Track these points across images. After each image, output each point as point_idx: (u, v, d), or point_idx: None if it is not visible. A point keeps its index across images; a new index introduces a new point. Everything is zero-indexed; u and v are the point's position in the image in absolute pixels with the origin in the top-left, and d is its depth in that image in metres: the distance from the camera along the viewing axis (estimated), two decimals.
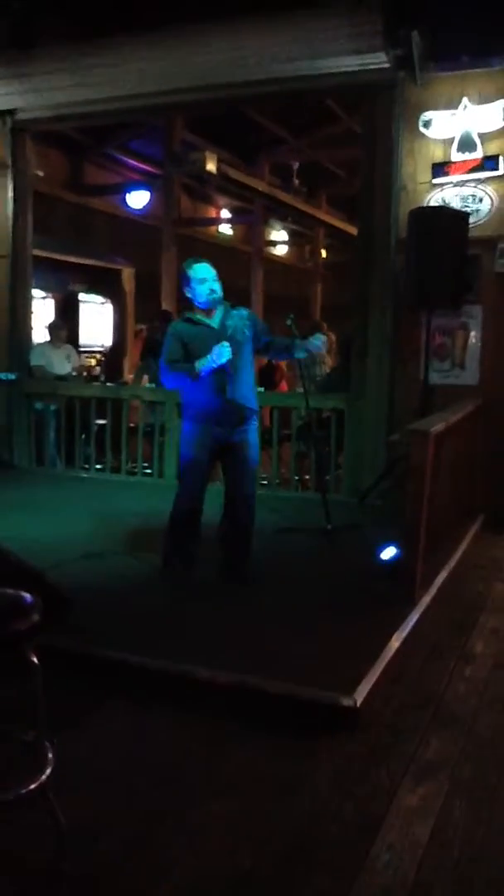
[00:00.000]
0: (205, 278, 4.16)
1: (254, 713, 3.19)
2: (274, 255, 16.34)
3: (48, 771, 2.27)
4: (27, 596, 2.37)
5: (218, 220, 15.37)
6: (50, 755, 2.30)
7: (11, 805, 2.25)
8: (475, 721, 3.24)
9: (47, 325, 8.68)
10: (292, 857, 2.39)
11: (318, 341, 4.62)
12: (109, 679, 3.41)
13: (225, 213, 15.36)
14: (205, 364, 4.10)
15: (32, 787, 2.22)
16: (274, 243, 16.62)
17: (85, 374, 9.52)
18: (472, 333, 6.31)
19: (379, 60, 6.15)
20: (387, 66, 6.17)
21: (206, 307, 4.23)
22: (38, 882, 2.27)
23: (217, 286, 4.19)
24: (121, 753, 2.92)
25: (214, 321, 4.25)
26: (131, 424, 7.64)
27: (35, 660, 2.26)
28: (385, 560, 4.54)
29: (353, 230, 15.29)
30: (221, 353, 4.08)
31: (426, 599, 4.37)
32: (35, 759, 2.30)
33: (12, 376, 7.82)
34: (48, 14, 7.41)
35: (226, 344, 4.10)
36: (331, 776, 2.81)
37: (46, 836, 2.33)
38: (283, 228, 16.51)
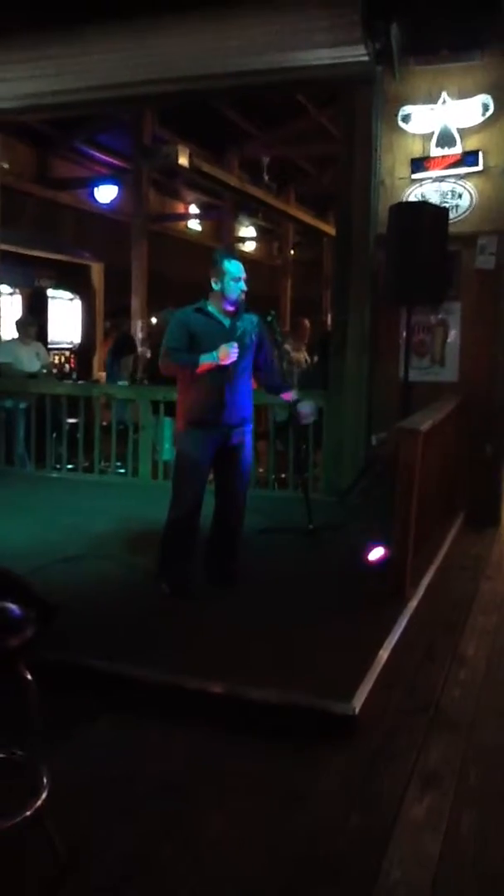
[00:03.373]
0: (240, 277, 4.08)
1: (248, 723, 3.09)
2: (243, 251, 16.21)
3: (44, 795, 2.14)
4: (15, 608, 2.24)
5: (188, 216, 15.20)
6: (45, 778, 2.17)
7: (6, 833, 2.12)
8: (474, 727, 3.17)
9: (16, 321, 8.47)
10: (300, 874, 2.30)
11: (308, 408, 4.59)
12: (97, 691, 3.27)
13: (193, 209, 15.20)
14: (208, 360, 3.99)
15: (28, 813, 2.09)
16: (243, 239, 16.50)
17: (55, 371, 9.33)
18: (452, 331, 6.26)
19: (357, 53, 6.05)
20: (365, 59, 6.07)
21: (234, 306, 4.12)
22: None
23: (245, 288, 4.12)
24: (114, 770, 2.79)
25: (226, 319, 4.14)
26: (104, 423, 7.48)
27: (29, 676, 2.14)
28: (373, 560, 4.46)
29: (323, 226, 15.37)
30: (229, 354, 3.98)
31: (415, 599, 4.31)
32: (30, 782, 2.18)
33: None
34: (14, 1, 7.22)
35: (234, 344, 4.01)
36: (332, 787, 2.72)
37: (42, 863, 2.20)
38: (252, 224, 16.40)
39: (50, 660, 3.18)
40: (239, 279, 4.09)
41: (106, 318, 10.05)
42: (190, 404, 4.14)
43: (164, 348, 4.14)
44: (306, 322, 9.40)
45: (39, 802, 2.11)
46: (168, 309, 8.46)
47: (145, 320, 10.95)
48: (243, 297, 4.12)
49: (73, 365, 10.87)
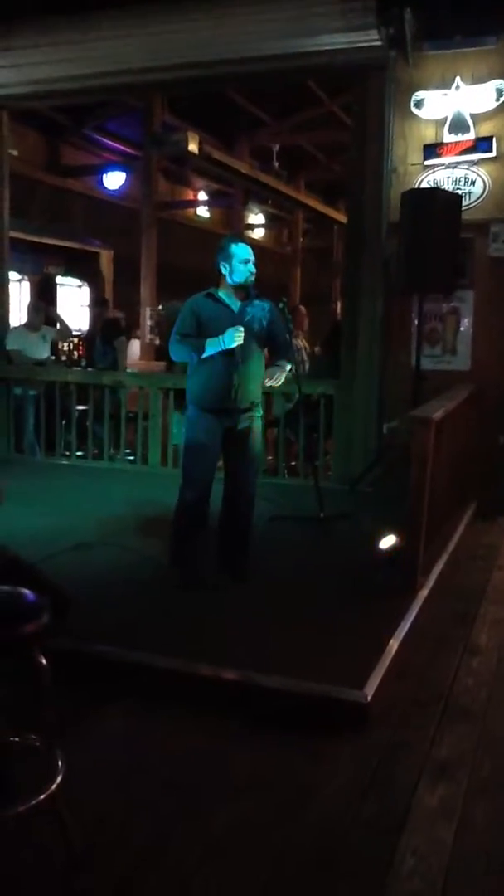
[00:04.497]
0: (248, 259, 4.06)
1: (260, 711, 3.08)
2: (252, 238, 16.14)
3: (58, 779, 2.14)
4: (30, 594, 2.24)
5: (197, 203, 15.14)
6: (60, 763, 2.17)
7: (20, 817, 2.12)
8: (487, 716, 3.16)
9: (26, 307, 8.44)
10: (314, 864, 2.29)
11: (277, 373, 4.36)
12: (110, 679, 3.27)
13: (203, 196, 15.14)
14: (213, 344, 3.99)
15: (42, 797, 2.09)
16: (252, 227, 16.43)
17: (64, 358, 9.32)
18: (464, 319, 6.22)
19: (370, 39, 6.00)
20: (378, 44, 6.01)
21: (244, 290, 4.10)
22: None
23: (255, 270, 4.08)
24: (126, 758, 2.79)
25: (235, 304, 4.13)
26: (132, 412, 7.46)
27: (44, 662, 2.14)
28: (384, 549, 4.45)
29: (334, 214, 15.27)
30: (232, 338, 3.96)
31: (426, 589, 4.30)
32: (44, 767, 2.18)
33: None
34: None
35: (240, 328, 3.99)
36: (346, 777, 2.72)
37: (55, 849, 2.21)
38: (261, 212, 16.32)
39: (62, 647, 3.19)
40: (248, 261, 4.06)
41: (90, 306, 9.95)
42: (198, 388, 4.15)
43: (174, 334, 4.14)
44: (302, 308, 9.39)
45: (54, 787, 2.11)
46: (173, 302, 8.43)
47: (154, 308, 10.91)
48: (253, 279, 4.08)
49: (81, 352, 10.85)
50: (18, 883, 2.18)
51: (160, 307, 10.38)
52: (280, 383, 4.41)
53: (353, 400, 6.53)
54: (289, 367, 4.39)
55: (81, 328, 11.48)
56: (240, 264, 4.05)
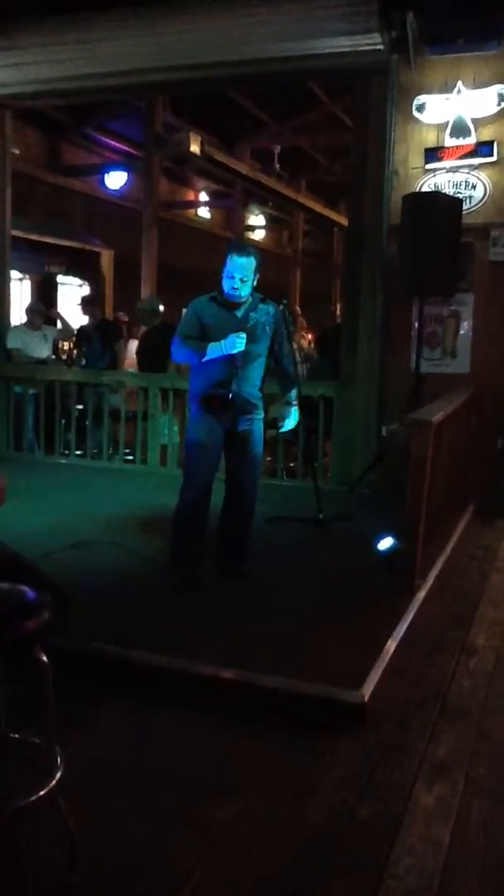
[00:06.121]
0: (232, 275, 4.01)
1: (258, 711, 3.09)
2: (252, 239, 16.17)
3: (58, 775, 2.16)
4: (31, 591, 2.25)
5: (198, 203, 15.17)
6: (59, 759, 2.18)
7: (20, 812, 2.13)
8: (484, 717, 3.18)
9: (25, 307, 8.44)
10: (311, 862, 2.31)
11: (288, 422, 4.52)
12: (109, 677, 3.29)
13: (203, 197, 15.17)
14: (214, 349, 4.00)
15: (43, 793, 2.11)
16: (252, 228, 16.46)
17: (65, 357, 9.31)
18: (464, 322, 6.25)
19: (373, 42, 6.01)
20: (380, 48, 6.03)
21: (233, 300, 4.09)
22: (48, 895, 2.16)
23: (242, 286, 4.02)
24: (125, 755, 2.81)
25: (240, 309, 4.13)
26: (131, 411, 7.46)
27: (45, 659, 2.15)
28: (382, 550, 4.47)
29: (334, 216, 15.32)
30: (234, 343, 3.97)
31: (424, 591, 4.31)
32: (44, 763, 2.19)
33: None
34: None
35: (242, 335, 3.99)
36: (342, 776, 2.73)
37: (55, 844, 2.22)
38: (262, 213, 16.36)
39: (62, 646, 3.20)
40: (231, 276, 4.01)
41: (80, 304, 9.78)
42: (198, 390, 4.17)
43: (176, 336, 4.16)
44: (297, 309, 9.43)
45: (53, 782, 2.12)
46: (151, 297, 8.38)
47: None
48: (236, 293, 4.03)
49: (80, 351, 10.85)
50: (17, 878, 2.19)
51: (137, 304, 10.27)
52: (294, 425, 4.55)
53: (352, 402, 6.54)
54: (294, 397, 4.50)
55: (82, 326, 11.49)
56: (225, 277, 4.03)
